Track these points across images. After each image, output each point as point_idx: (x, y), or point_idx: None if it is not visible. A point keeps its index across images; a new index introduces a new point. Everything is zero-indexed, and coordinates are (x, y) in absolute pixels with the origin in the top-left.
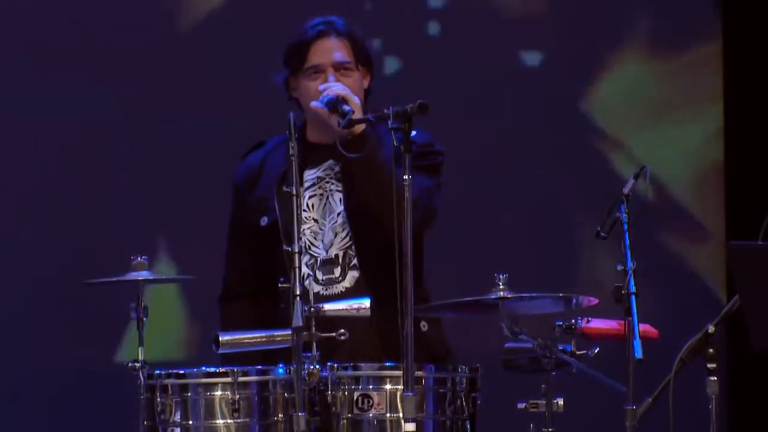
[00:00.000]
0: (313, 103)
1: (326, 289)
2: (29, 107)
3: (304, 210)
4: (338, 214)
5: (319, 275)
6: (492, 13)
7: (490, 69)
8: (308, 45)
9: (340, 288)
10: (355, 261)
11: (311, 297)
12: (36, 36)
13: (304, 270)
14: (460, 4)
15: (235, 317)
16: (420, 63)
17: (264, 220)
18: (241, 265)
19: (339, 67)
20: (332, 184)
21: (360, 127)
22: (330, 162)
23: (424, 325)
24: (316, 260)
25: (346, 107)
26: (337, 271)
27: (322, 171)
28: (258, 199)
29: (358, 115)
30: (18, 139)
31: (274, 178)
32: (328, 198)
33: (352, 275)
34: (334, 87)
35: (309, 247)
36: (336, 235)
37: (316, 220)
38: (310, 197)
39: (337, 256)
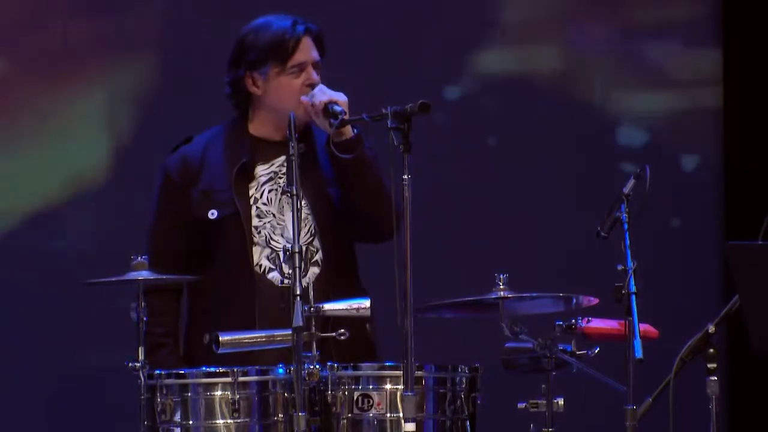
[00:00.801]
0: (304, 98)
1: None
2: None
3: (264, 204)
4: (299, 209)
5: (285, 269)
6: (495, 12)
7: (489, 68)
8: (297, 42)
9: (303, 283)
10: (317, 257)
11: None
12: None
13: (265, 263)
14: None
15: (158, 313)
16: (418, 64)
17: (213, 213)
18: (170, 258)
19: (316, 66)
20: None
21: (348, 130)
22: (282, 158)
23: (368, 327)
24: (278, 254)
25: (337, 108)
26: (302, 265)
27: (276, 166)
28: (204, 193)
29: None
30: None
31: (225, 171)
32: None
33: (313, 271)
34: (328, 90)
35: (269, 240)
36: (300, 229)
37: (274, 215)
38: (269, 191)
39: (301, 250)
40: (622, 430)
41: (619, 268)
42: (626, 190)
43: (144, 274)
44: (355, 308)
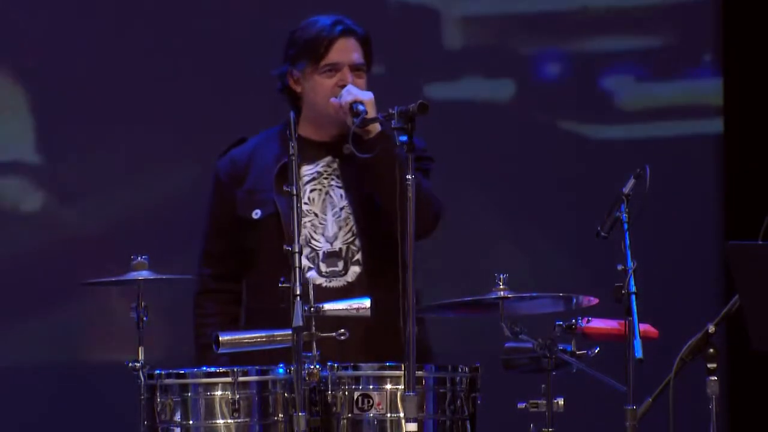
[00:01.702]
0: (333, 100)
1: (329, 281)
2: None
3: (305, 203)
4: (341, 209)
5: (323, 267)
6: (498, 21)
7: (489, 70)
8: (331, 42)
9: (342, 281)
10: (358, 256)
11: (311, 289)
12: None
13: (305, 262)
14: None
15: (209, 314)
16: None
17: (257, 213)
18: (221, 258)
19: (354, 68)
20: (332, 179)
21: (375, 128)
22: (328, 159)
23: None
24: (317, 253)
25: (360, 107)
26: (341, 264)
27: (321, 167)
28: (248, 192)
29: (371, 114)
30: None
31: (269, 172)
32: (328, 192)
33: (354, 270)
34: (354, 90)
35: (309, 240)
36: (340, 228)
37: (316, 214)
38: (311, 191)
39: (341, 249)
40: (622, 430)
41: (619, 268)
42: (626, 190)
43: (144, 274)
44: (355, 308)
